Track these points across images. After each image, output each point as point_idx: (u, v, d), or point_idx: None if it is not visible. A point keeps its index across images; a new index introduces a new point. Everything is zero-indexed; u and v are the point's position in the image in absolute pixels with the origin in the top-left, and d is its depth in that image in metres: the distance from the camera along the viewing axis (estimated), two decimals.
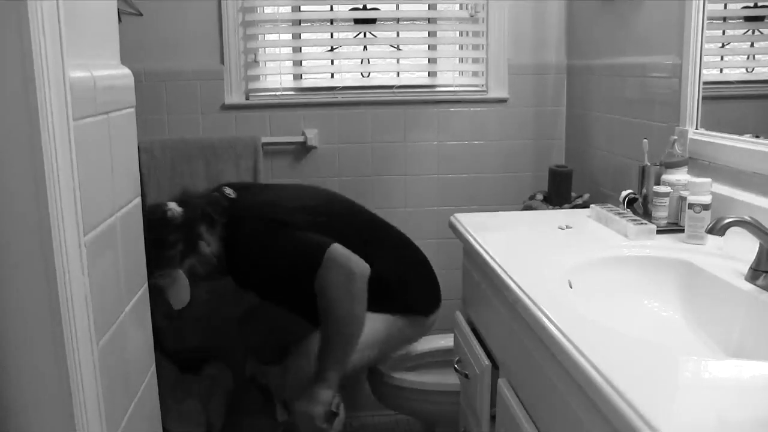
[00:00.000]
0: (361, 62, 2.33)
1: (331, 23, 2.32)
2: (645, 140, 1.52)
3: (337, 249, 1.59)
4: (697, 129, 1.51)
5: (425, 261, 1.87)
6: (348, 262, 1.58)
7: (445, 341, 1.86)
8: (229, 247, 1.72)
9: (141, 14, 2.12)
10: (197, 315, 2.00)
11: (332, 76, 2.34)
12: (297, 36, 2.33)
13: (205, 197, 1.77)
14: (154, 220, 1.67)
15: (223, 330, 2.14)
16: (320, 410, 1.59)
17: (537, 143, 2.38)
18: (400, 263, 1.82)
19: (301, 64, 2.36)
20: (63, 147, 0.86)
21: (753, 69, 1.55)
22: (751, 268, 1.06)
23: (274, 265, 1.65)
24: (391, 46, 2.34)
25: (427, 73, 2.39)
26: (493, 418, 1.24)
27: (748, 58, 1.55)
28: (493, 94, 2.32)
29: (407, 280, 1.80)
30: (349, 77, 2.34)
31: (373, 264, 1.64)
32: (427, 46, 2.38)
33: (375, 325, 1.70)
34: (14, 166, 0.83)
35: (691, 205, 1.27)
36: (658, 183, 1.42)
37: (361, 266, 1.59)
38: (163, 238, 1.66)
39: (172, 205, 1.70)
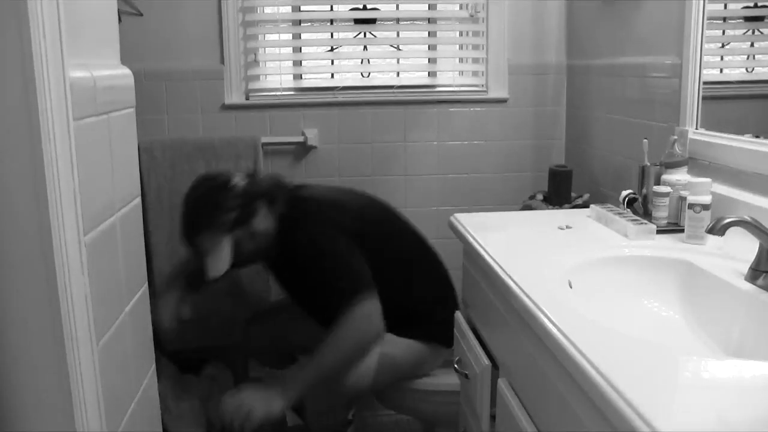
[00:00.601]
0: (361, 62, 2.33)
1: (331, 23, 2.32)
2: (645, 140, 1.52)
3: (376, 305, 1.58)
4: (697, 129, 1.51)
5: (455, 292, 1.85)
6: (380, 324, 1.59)
7: None
8: (284, 236, 1.68)
9: (141, 14, 2.12)
10: (198, 315, 2.00)
11: (332, 76, 2.34)
12: (297, 36, 2.33)
13: (273, 177, 1.77)
14: (216, 184, 1.68)
15: (223, 330, 2.14)
16: (262, 410, 1.53)
17: (537, 143, 2.38)
18: (435, 292, 1.80)
19: (301, 64, 2.36)
20: (63, 147, 0.86)
21: (753, 69, 1.54)
22: (751, 268, 1.06)
23: (317, 276, 1.63)
24: (391, 46, 2.34)
25: (427, 73, 2.39)
26: (493, 418, 1.24)
27: (748, 58, 1.55)
28: (493, 94, 2.32)
29: (438, 309, 1.78)
30: (349, 77, 2.34)
31: (411, 288, 1.66)
32: (427, 46, 2.38)
33: (401, 346, 1.70)
34: (14, 166, 0.83)
35: (691, 205, 1.27)
36: (658, 183, 1.42)
37: (382, 334, 1.61)
38: (220, 201, 1.64)
39: (239, 176, 1.70)
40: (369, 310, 1.57)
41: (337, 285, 1.60)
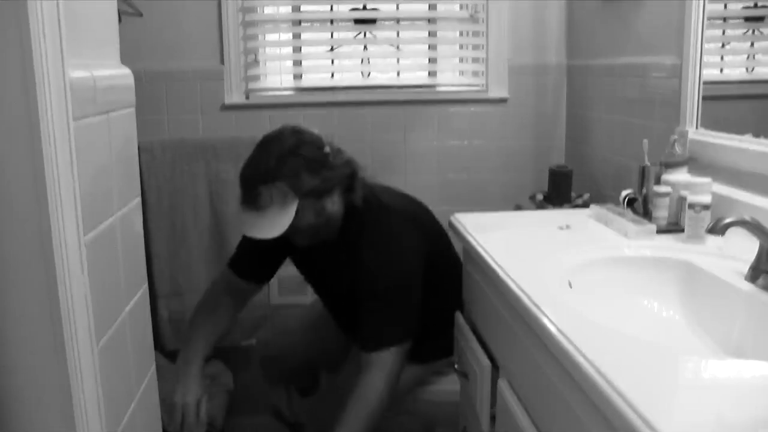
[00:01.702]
0: (361, 62, 2.33)
1: (331, 23, 2.32)
2: (645, 140, 1.52)
3: (403, 356, 1.47)
4: (697, 129, 1.51)
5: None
6: (399, 377, 1.48)
7: None
8: (345, 233, 1.52)
9: (141, 14, 2.12)
10: None
11: (332, 75, 2.34)
12: (297, 36, 2.34)
13: (354, 163, 1.55)
14: (308, 140, 1.46)
15: None
16: None
17: (537, 143, 2.37)
18: (453, 310, 1.68)
19: (301, 64, 2.36)
20: (63, 147, 0.86)
21: (753, 69, 1.54)
22: (751, 268, 1.06)
23: (361, 294, 1.48)
24: (391, 46, 2.34)
25: (427, 73, 2.39)
26: (493, 418, 1.24)
27: (748, 58, 1.55)
28: (493, 94, 2.32)
29: (449, 327, 1.66)
30: (349, 77, 2.34)
31: (442, 309, 1.57)
32: (427, 46, 2.38)
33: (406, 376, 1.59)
34: (14, 166, 0.83)
35: (691, 205, 1.27)
36: (658, 183, 1.42)
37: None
38: (310, 160, 1.42)
39: (328, 145, 1.49)
40: (394, 365, 1.45)
41: (377, 321, 1.47)
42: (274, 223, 1.39)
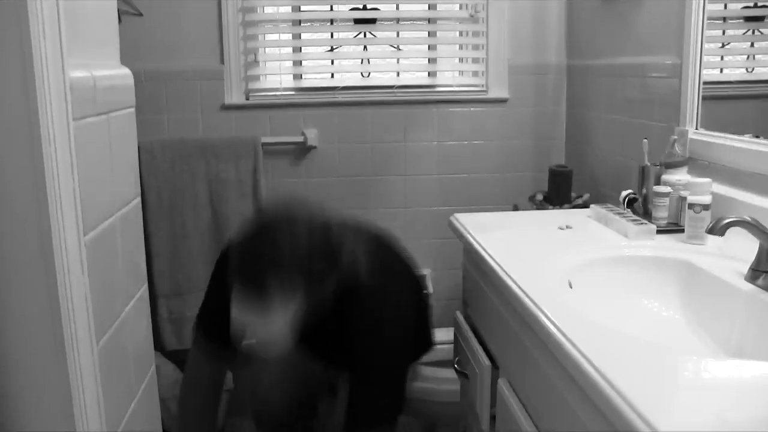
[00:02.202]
0: (361, 62, 2.33)
1: (331, 23, 2.32)
2: (645, 140, 1.52)
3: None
4: (697, 129, 1.51)
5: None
6: None
7: (446, 335, 1.82)
8: (340, 304, 1.31)
9: (141, 14, 2.12)
10: None
11: (332, 76, 2.34)
12: (297, 36, 2.33)
13: (361, 233, 1.39)
14: (316, 226, 1.22)
15: None
16: None
17: (537, 143, 2.38)
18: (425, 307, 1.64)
19: (301, 64, 2.36)
20: (63, 147, 0.86)
21: (753, 69, 1.54)
22: (751, 268, 1.06)
23: (353, 375, 1.35)
24: (391, 46, 2.34)
25: (427, 73, 2.39)
26: (493, 418, 1.24)
27: (748, 58, 1.54)
28: (493, 94, 2.32)
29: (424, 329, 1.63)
30: (349, 77, 2.34)
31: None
32: (427, 46, 2.38)
33: None
34: (14, 165, 0.83)
35: (691, 205, 1.27)
36: (658, 183, 1.42)
37: None
38: (313, 251, 1.19)
39: (335, 221, 1.25)
40: None
41: (368, 397, 1.35)
42: (281, 322, 1.20)
